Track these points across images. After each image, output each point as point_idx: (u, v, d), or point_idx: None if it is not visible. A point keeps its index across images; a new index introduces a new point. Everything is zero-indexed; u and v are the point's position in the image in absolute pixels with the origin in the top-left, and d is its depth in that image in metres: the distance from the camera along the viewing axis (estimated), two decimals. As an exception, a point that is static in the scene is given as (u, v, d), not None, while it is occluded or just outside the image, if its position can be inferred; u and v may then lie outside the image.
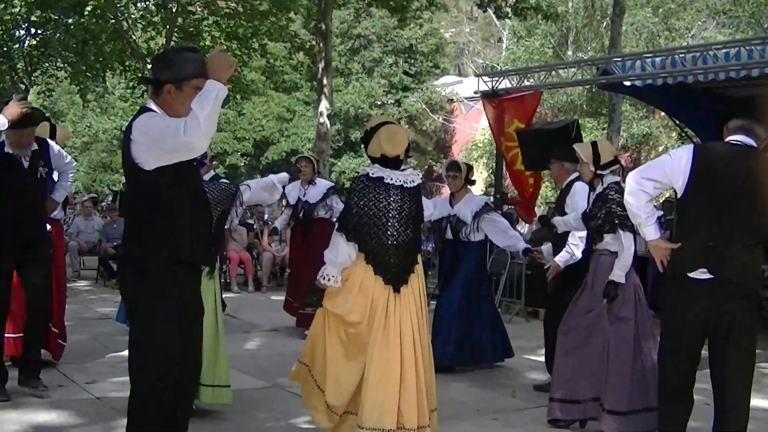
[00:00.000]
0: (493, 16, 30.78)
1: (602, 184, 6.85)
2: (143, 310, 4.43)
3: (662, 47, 27.69)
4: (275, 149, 39.37)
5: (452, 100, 42.02)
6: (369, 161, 6.05)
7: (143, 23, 24.45)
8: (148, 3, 24.22)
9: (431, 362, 5.92)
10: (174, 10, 23.05)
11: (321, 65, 20.95)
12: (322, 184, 11.14)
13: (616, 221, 6.55)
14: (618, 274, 6.48)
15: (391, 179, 5.83)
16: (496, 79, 15.25)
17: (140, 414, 4.39)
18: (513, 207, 15.25)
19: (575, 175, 7.75)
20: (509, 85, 15.16)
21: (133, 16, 24.39)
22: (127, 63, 25.07)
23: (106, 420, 6.39)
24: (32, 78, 27.59)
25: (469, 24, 53.98)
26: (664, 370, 5.29)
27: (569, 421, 6.69)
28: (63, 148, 8.05)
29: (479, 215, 8.86)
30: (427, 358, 5.82)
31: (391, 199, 5.81)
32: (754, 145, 5.09)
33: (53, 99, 42.14)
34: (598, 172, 6.86)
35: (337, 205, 10.63)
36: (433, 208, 7.40)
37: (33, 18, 23.75)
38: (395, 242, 5.80)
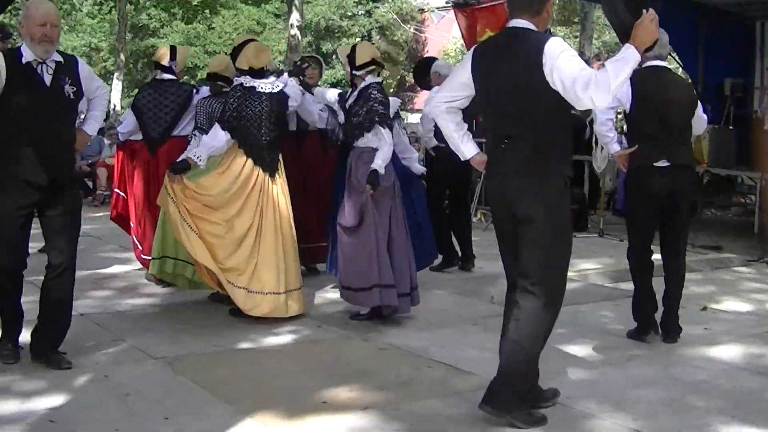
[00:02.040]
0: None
1: (364, 83, 7.17)
2: (555, 222, 4.74)
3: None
4: (246, 63, 39.05)
5: (423, 9, 41.68)
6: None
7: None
8: None
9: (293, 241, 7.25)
10: None
11: (291, -24, 20.75)
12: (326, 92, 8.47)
13: (376, 118, 6.95)
14: (379, 164, 6.89)
15: (261, 87, 7.13)
16: (469, -12, 15.18)
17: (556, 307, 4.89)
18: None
19: None
20: (481, -5, 15.11)
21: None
22: (93, -22, 24.71)
23: (92, 337, 6.45)
24: (-3, -4, 27.16)
25: (439, -68, 53.34)
26: (634, 235, 6.76)
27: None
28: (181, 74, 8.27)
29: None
30: (293, 235, 7.23)
31: (264, 104, 7.11)
32: (667, 66, 6.78)
33: (20, 17, 41.51)
34: (354, 72, 7.22)
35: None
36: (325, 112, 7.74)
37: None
38: (268, 139, 7.13)
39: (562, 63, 4.49)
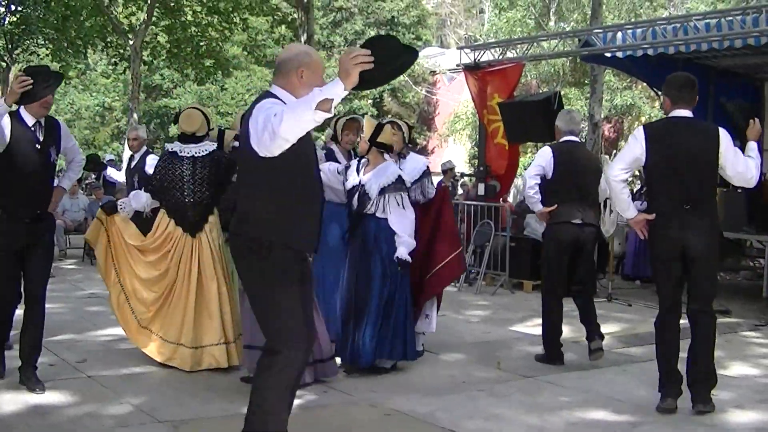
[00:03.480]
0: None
1: None
2: (717, 260, 6.62)
3: (644, 18, 27.67)
4: (259, 123, 39.15)
5: (435, 71, 41.99)
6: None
7: (124, -2, 24.29)
8: (128, -22, 24.02)
9: (232, 293, 7.52)
10: (155, -15, 22.92)
11: (303, 38, 20.95)
12: (416, 159, 8.33)
13: None
14: None
15: (184, 152, 7.53)
16: (479, 51, 15.29)
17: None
18: (496, 178, 15.19)
19: None
20: (491, 58, 15.19)
21: (113, -9, 24.23)
22: (108, 39, 24.94)
23: (99, 399, 6.47)
24: (13, 56, 27.48)
25: (450, -5, 53.81)
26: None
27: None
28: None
29: (386, 191, 7.36)
30: (217, 293, 7.43)
31: (184, 168, 7.48)
32: (579, 141, 7.14)
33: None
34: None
35: (431, 187, 8.03)
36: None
37: (12, -5, 23.63)
38: (192, 200, 7.48)
39: (731, 152, 6.34)
